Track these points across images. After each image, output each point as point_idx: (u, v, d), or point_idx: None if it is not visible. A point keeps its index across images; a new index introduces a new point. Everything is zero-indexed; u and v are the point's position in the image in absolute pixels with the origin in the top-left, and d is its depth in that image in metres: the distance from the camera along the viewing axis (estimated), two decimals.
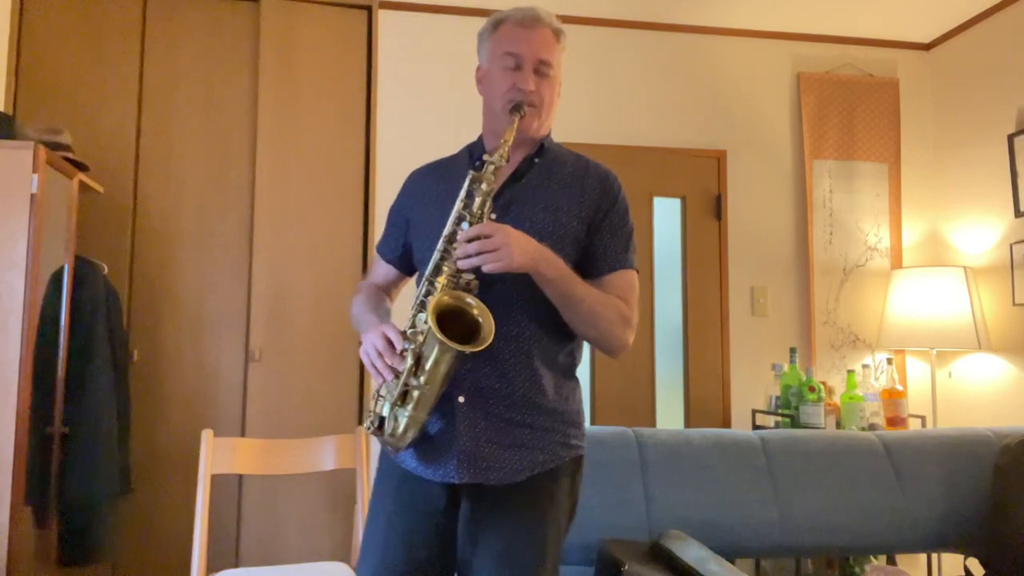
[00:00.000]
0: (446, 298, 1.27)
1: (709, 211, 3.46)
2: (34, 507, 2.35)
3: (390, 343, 1.30)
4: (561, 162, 1.50)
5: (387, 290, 1.65)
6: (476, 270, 1.28)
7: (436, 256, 1.34)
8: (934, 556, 3.03)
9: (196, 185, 3.06)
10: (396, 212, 1.60)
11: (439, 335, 1.22)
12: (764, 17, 3.41)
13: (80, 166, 2.64)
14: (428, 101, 3.24)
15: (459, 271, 1.29)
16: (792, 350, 3.01)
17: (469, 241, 1.26)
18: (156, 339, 2.98)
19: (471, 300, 1.28)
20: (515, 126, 1.37)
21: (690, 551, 1.81)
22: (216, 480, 2.29)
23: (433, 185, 1.51)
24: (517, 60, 1.42)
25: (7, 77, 2.88)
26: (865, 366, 3.28)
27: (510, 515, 1.38)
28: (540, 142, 1.49)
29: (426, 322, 1.26)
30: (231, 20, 3.14)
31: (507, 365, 1.36)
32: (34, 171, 2.25)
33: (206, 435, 2.14)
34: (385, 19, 3.23)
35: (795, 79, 3.56)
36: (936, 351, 3.26)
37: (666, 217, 3.44)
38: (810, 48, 3.58)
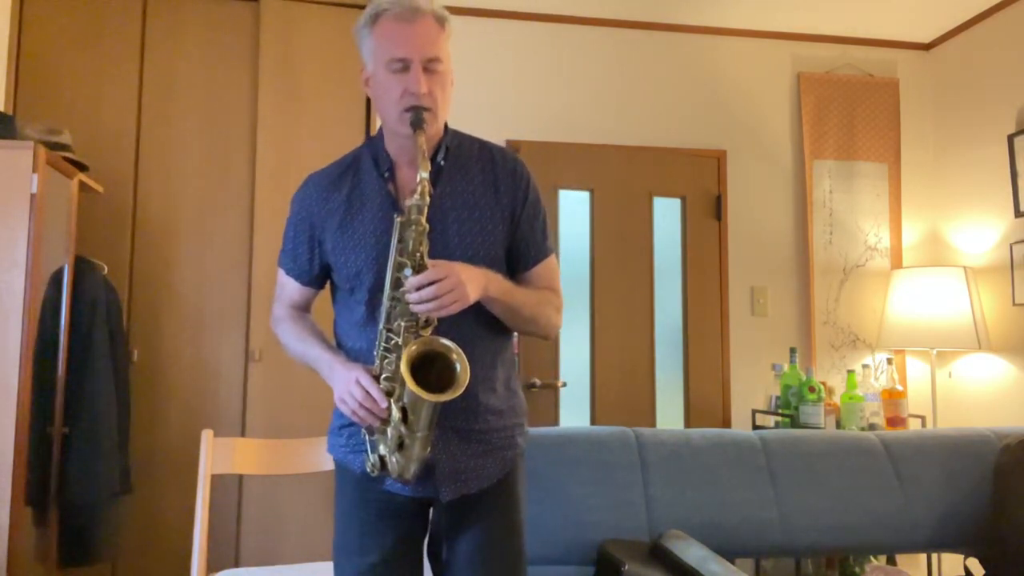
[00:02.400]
0: (415, 347, 1.27)
1: (709, 211, 3.46)
2: (34, 507, 2.35)
3: (368, 394, 1.29)
4: (466, 156, 1.45)
5: (307, 309, 1.58)
6: None
7: (387, 305, 1.30)
8: (934, 556, 3.03)
9: (196, 185, 3.06)
10: (302, 229, 1.49)
11: (418, 391, 1.22)
12: (764, 17, 3.41)
13: (80, 166, 2.64)
14: None
15: (414, 313, 1.27)
16: (792, 350, 3.01)
17: (419, 288, 1.23)
18: (156, 339, 2.98)
19: (446, 343, 1.28)
20: (426, 155, 1.29)
21: (690, 551, 1.81)
22: (216, 480, 2.28)
23: (343, 204, 1.43)
24: (404, 63, 1.33)
25: (7, 77, 2.87)
26: (865, 366, 3.27)
27: (485, 512, 1.43)
28: (443, 143, 1.43)
29: (398, 372, 1.26)
30: (231, 20, 3.14)
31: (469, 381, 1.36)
32: (34, 171, 2.25)
33: (206, 435, 2.14)
34: None
35: (795, 79, 3.56)
36: (936, 351, 3.26)
37: (666, 217, 3.44)
38: (810, 48, 3.58)
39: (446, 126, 1.46)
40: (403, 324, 1.29)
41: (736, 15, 3.39)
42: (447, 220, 1.39)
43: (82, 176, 2.65)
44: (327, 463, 2.28)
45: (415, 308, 1.25)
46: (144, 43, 3.07)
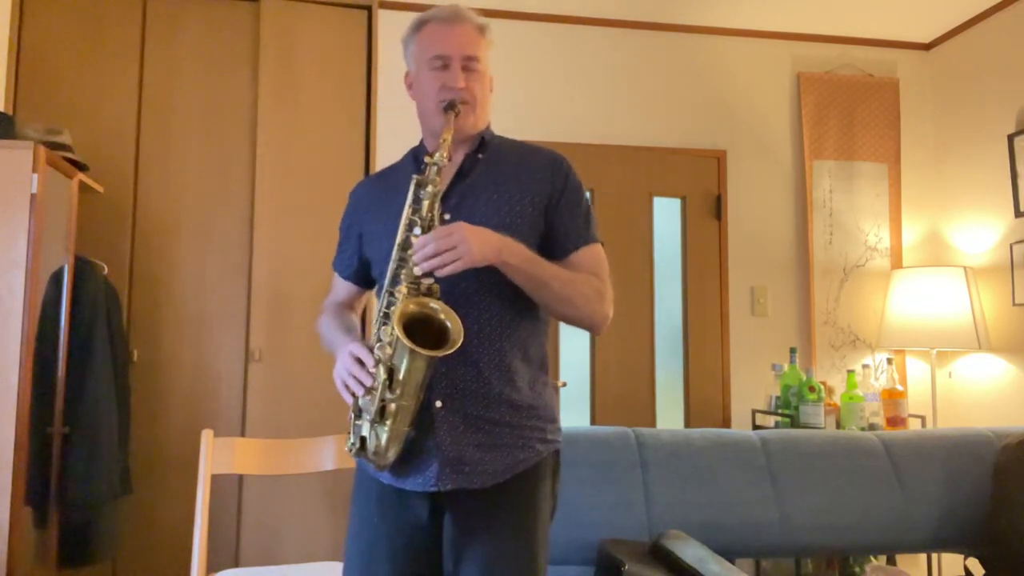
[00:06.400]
0: (410, 306, 1.25)
1: (709, 211, 3.46)
2: (34, 507, 2.35)
3: (358, 360, 1.29)
4: (505, 153, 1.48)
5: (351, 306, 1.63)
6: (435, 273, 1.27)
7: (393, 266, 1.32)
8: (934, 556, 3.03)
9: (196, 185, 3.06)
10: (347, 227, 1.58)
11: (407, 343, 1.20)
12: (764, 17, 3.41)
13: (80, 166, 2.64)
14: None
15: (418, 277, 1.27)
16: (792, 350, 3.01)
17: (425, 246, 1.24)
18: (156, 339, 2.98)
19: (435, 304, 1.26)
20: (452, 124, 1.36)
21: (690, 551, 1.81)
22: (216, 480, 2.28)
23: (382, 196, 1.49)
24: (444, 60, 1.41)
25: (7, 77, 2.88)
26: (865, 366, 3.28)
27: (495, 521, 1.36)
28: (480, 137, 1.47)
29: (392, 333, 1.24)
30: (231, 20, 3.14)
31: (481, 364, 1.34)
32: (34, 171, 2.25)
33: (206, 435, 2.14)
34: (385, 19, 3.23)
35: (795, 79, 3.56)
36: (936, 351, 3.26)
37: (666, 217, 3.44)
38: (810, 48, 3.58)
39: (488, 127, 1.50)
40: (405, 287, 1.28)
41: (736, 15, 3.39)
42: (477, 201, 1.40)
43: (82, 176, 2.65)
44: (327, 463, 2.28)
45: (417, 269, 1.25)
46: (144, 43, 3.07)
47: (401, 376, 1.25)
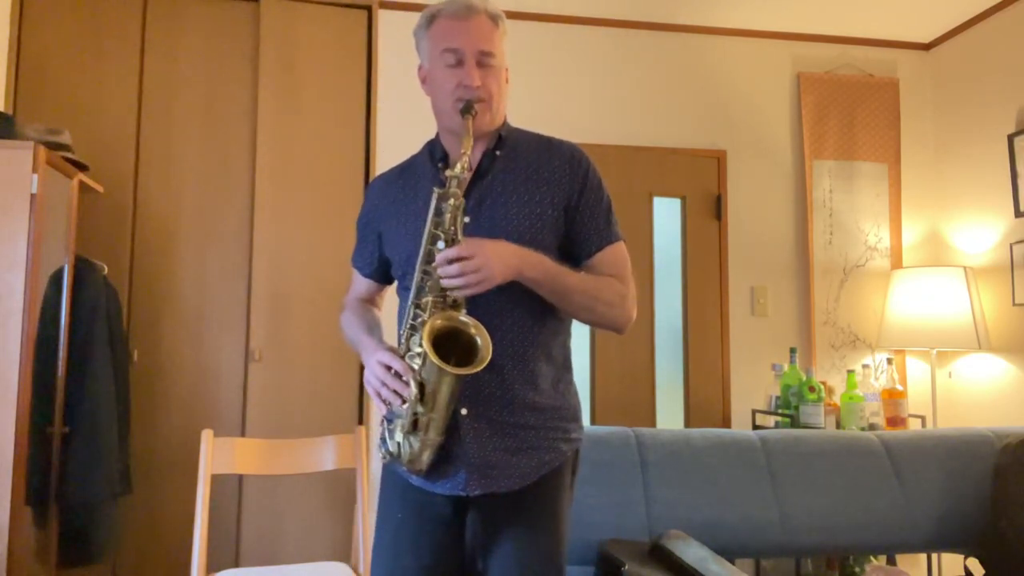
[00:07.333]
0: (439, 321, 1.26)
1: (709, 211, 3.46)
2: (34, 507, 2.35)
3: (390, 369, 1.29)
4: (523, 148, 1.45)
5: (372, 301, 1.64)
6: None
7: (418, 278, 1.31)
8: (934, 556, 3.03)
9: (196, 185, 3.06)
10: (365, 225, 1.56)
11: (438, 363, 1.21)
12: (764, 17, 3.41)
13: (80, 166, 2.64)
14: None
15: (444, 290, 1.28)
16: (792, 350, 3.01)
17: (449, 263, 1.24)
18: (156, 339, 2.98)
19: (465, 318, 1.27)
20: (471, 133, 1.33)
21: (690, 551, 1.81)
22: (216, 480, 2.29)
23: (399, 195, 1.48)
24: (457, 55, 1.37)
25: (7, 77, 2.88)
26: (865, 366, 3.28)
27: (520, 519, 1.37)
28: (498, 133, 1.45)
29: (421, 345, 1.24)
30: (231, 20, 3.14)
31: (505, 370, 1.35)
32: (34, 171, 2.25)
33: (206, 435, 2.14)
34: (385, 19, 3.23)
35: (795, 79, 3.56)
36: (936, 351, 3.26)
37: (666, 217, 3.44)
38: (810, 48, 3.58)
39: (504, 120, 1.48)
40: (431, 300, 1.28)
41: (736, 15, 3.39)
42: (496, 203, 1.39)
43: (82, 176, 2.65)
44: (327, 463, 2.28)
45: (443, 283, 1.26)
46: (144, 43, 3.07)
47: (431, 390, 1.26)
